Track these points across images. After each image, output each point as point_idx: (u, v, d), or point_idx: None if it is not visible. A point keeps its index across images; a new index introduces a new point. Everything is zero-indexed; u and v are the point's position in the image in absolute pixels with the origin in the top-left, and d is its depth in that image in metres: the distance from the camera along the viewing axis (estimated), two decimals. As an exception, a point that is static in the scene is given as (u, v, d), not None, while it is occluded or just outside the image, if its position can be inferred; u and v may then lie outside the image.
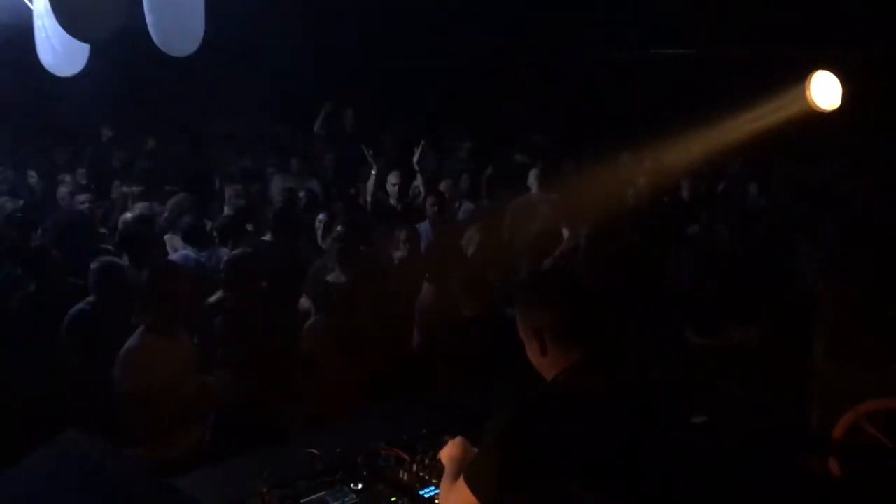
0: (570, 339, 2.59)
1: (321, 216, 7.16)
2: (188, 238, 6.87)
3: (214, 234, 6.99)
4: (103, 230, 7.74)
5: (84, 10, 4.58)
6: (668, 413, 2.72)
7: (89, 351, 4.92)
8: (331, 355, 4.85)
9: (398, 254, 6.66)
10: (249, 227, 7.34)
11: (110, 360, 4.43)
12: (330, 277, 5.80)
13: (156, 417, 4.27)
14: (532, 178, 8.13)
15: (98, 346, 4.78)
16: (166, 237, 7.37)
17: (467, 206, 8.45)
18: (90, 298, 5.23)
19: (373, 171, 8.47)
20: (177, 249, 6.99)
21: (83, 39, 4.96)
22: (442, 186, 8.56)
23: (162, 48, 5.14)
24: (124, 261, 6.07)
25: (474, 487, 2.56)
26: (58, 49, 5.33)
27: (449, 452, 2.92)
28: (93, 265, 5.28)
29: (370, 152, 8.73)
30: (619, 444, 2.52)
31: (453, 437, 2.97)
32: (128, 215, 7.50)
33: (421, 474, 3.30)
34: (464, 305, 5.24)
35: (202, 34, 5.23)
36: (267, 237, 7.01)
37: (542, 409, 2.56)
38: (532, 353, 2.67)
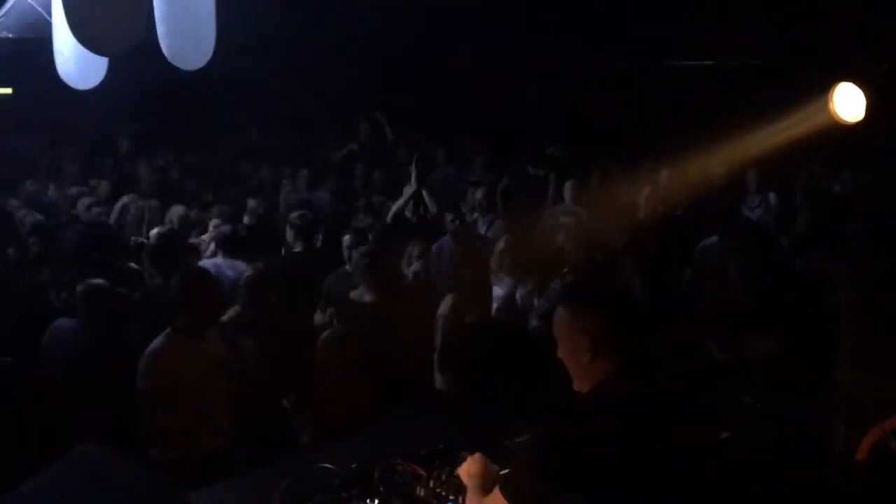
0: (615, 347, 2.60)
1: (348, 235, 7.11)
2: (223, 248, 6.86)
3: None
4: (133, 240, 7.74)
5: (100, 25, 4.59)
6: (698, 428, 2.70)
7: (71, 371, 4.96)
8: (347, 369, 4.81)
9: (411, 268, 6.64)
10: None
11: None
12: (354, 294, 5.78)
13: (182, 416, 4.35)
14: (567, 190, 8.20)
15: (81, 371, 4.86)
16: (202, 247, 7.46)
17: (486, 218, 8.39)
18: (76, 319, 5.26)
19: (410, 188, 8.38)
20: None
21: (100, 53, 4.98)
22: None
23: (172, 61, 5.16)
24: (150, 273, 6.12)
25: (512, 499, 2.55)
26: (76, 62, 5.34)
27: (468, 469, 2.90)
28: (79, 287, 5.29)
29: (413, 169, 8.58)
30: (655, 457, 2.51)
31: (471, 452, 2.95)
32: (156, 229, 7.48)
33: (438, 490, 3.26)
34: (468, 311, 5.24)
35: (213, 47, 5.24)
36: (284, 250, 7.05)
37: (582, 420, 2.56)
38: (574, 355, 2.65)
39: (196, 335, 4.54)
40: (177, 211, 8.22)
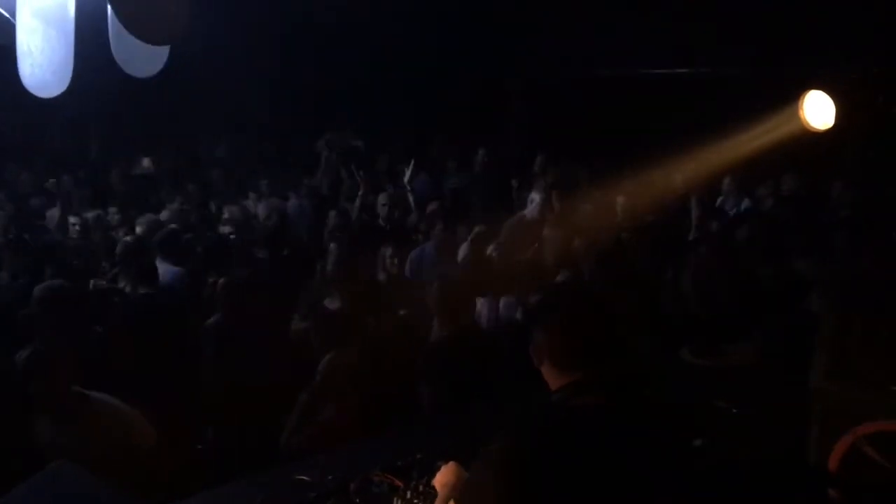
0: (564, 360, 2.61)
1: (333, 245, 7.08)
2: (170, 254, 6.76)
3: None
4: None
5: (150, 13, 4.54)
6: (667, 436, 2.68)
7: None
8: (345, 387, 4.74)
9: (382, 274, 6.62)
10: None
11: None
12: (326, 301, 5.76)
13: None
14: (543, 201, 8.19)
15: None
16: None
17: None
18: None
19: (360, 192, 8.44)
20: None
21: (152, 42, 4.89)
22: (433, 205, 8.52)
23: (124, 69, 5.12)
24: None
25: None
26: (40, 68, 5.26)
27: (441, 479, 2.89)
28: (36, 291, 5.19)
29: (360, 173, 8.75)
30: (615, 467, 2.49)
31: (447, 462, 2.93)
32: (127, 238, 7.38)
33: (415, 501, 3.23)
34: (440, 324, 5.20)
35: (166, 55, 5.20)
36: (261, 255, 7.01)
37: (537, 430, 2.55)
38: (542, 367, 2.68)
39: None
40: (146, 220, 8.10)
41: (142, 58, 5.20)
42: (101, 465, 3.46)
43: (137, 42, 4.92)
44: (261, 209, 9.23)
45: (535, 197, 8.27)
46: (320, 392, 4.71)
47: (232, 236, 7.83)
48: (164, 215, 8.33)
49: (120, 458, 3.70)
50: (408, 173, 8.84)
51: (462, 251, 7.01)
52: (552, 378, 2.64)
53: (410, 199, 8.77)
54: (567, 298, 2.90)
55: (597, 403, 2.56)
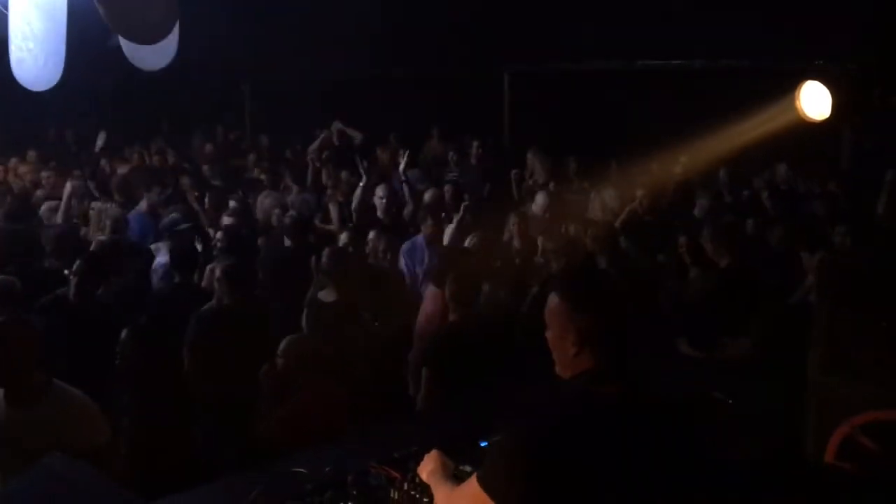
0: (602, 344, 2.57)
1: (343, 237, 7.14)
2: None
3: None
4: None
5: (135, 10, 4.53)
6: (675, 426, 2.68)
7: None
8: (315, 373, 4.72)
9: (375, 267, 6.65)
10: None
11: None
12: (321, 294, 5.76)
13: None
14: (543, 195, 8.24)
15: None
16: (152, 246, 7.44)
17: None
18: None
19: (361, 184, 8.43)
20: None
21: (137, 41, 4.88)
22: (428, 196, 8.54)
23: (133, 62, 5.11)
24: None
25: (489, 488, 2.52)
26: (31, 62, 5.24)
27: (426, 466, 2.92)
28: None
29: (364, 164, 8.70)
30: (631, 455, 2.50)
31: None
32: (102, 237, 7.33)
33: (412, 493, 3.22)
34: (452, 310, 5.21)
35: (175, 49, 5.19)
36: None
37: (561, 415, 2.55)
38: (560, 343, 2.62)
39: None
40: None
41: (150, 51, 5.18)
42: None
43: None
44: (267, 202, 9.19)
45: (540, 191, 8.31)
46: (285, 376, 4.67)
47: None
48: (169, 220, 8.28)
49: (73, 450, 3.61)
50: (402, 163, 8.82)
51: (448, 236, 7.02)
52: (569, 363, 2.60)
53: (406, 191, 8.76)
54: (595, 282, 2.85)
55: (617, 392, 2.55)
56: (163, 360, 4.51)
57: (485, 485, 2.54)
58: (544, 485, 2.44)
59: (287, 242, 7.35)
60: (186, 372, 5.01)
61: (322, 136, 11.66)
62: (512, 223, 7.38)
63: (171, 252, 6.56)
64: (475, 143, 10.79)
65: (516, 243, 7.26)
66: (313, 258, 6.55)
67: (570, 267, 5.89)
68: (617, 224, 7.68)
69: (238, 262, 5.99)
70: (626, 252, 6.79)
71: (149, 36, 4.73)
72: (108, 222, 7.54)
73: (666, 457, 2.57)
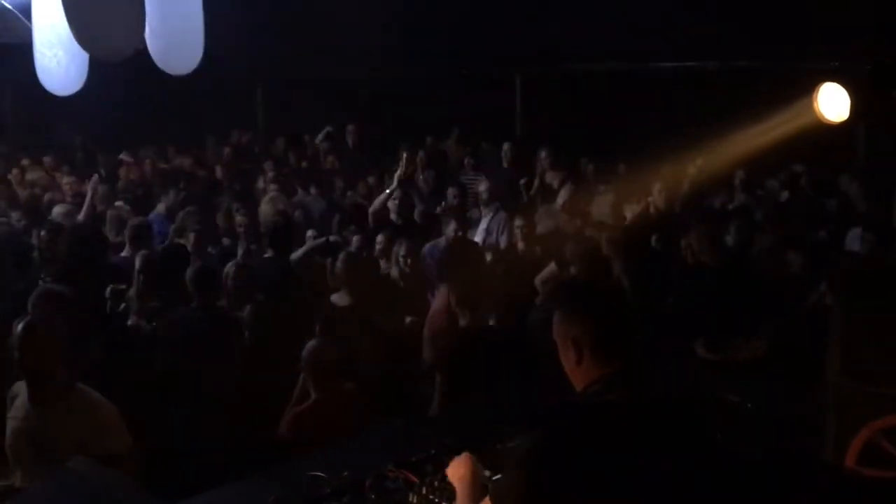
0: (605, 350, 2.57)
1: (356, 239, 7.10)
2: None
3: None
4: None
5: (102, 29, 4.58)
6: (693, 431, 2.67)
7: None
8: (331, 377, 4.73)
9: (394, 270, 6.62)
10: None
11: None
12: (334, 297, 5.76)
13: None
14: (563, 193, 8.29)
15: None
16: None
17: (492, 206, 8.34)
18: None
19: (388, 189, 8.34)
20: None
21: (103, 60, 4.94)
22: (450, 198, 8.51)
23: (161, 66, 5.14)
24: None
25: None
26: (57, 68, 5.30)
27: (456, 472, 2.88)
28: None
29: (396, 168, 8.58)
30: (648, 462, 2.48)
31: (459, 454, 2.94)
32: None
33: (430, 497, 3.22)
34: (461, 314, 5.20)
35: (201, 53, 5.22)
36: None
37: (573, 426, 2.52)
38: (564, 358, 2.64)
39: None
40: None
41: (178, 55, 5.22)
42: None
43: (174, 40, 4.96)
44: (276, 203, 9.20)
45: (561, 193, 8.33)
46: (303, 380, 4.77)
47: (240, 228, 7.80)
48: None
49: (90, 454, 3.61)
50: (400, 168, 8.72)
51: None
52: (577, 375, 2.60)
53: (420, 193, 8.74)
54: (605, 286, 2.86)
55: (630, 398, 2.54)
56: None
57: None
58: (551, 500, 2.43)
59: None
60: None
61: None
62: (517, 227, 7.38)
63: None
64: (506, 146, 10.70)
65: (521, 247, 7.26)
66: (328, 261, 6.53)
67: (566, 280, 5.86)
68: (628, 224, 7.68)
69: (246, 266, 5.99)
70: (654, 252, 6.76)
71: (113, 54, 4.76)
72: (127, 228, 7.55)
73: (681, 461, 2.55)
